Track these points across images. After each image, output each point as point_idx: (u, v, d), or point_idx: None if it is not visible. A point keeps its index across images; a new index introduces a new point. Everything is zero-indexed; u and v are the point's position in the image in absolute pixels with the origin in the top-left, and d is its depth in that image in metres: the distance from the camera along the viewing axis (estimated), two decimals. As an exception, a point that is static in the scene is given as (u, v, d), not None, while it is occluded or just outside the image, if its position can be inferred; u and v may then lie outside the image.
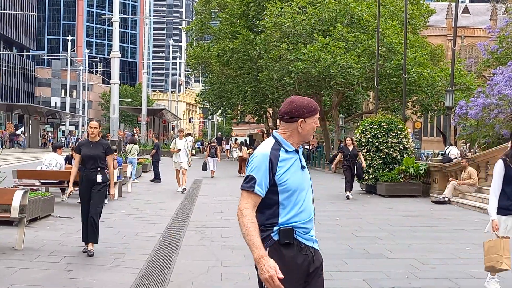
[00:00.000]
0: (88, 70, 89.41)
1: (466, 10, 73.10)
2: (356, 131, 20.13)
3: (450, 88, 22.38)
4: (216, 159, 24.71)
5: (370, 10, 33.64)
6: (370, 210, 14.66)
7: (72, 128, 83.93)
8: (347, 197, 16.70)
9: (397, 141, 18.70)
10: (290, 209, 3.23)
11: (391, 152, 18.61)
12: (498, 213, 6.29)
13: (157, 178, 21.23)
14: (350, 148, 17.23)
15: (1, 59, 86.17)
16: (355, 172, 17.00)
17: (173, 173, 18.36)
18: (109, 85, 41.34)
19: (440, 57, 44.17)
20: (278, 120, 8.89)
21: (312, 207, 3.35)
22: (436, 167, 18.25)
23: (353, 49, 32.00)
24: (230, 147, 46.34)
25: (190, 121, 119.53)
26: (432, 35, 63.86)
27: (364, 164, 17.28)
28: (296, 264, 3.22)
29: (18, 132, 53.84)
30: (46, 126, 63.59)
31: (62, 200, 13.72)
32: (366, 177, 18.33)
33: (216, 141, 30.33)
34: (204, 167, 24.24)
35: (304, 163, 3.35)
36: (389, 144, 18.59)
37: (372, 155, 18.50)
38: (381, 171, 18.40)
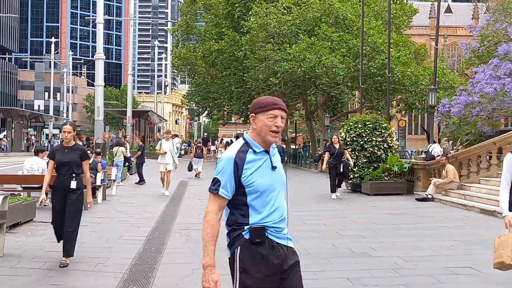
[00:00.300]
0: (72, 72, 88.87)
1: (448, 10, 73.73)
2: (341, 130, 20.21)
3: (433, 87, 22.61)
4: (202, 159, 24.83)
5: (354, 10, 33.84)
6: (355, 208, 14.73)
7: (56, 131, 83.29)
8: (334, 198, 16.68)
9: (381, 139, 18.81)
10: (260, 210, 3.24)
11: (375, 151, 18.72)
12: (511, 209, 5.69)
13: (141, 180, 21.16)
14: (337, 146, 16.98)
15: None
16: (341, 171, 16.74)
17: (159, 175, 18.27)
18: (93, 87, 41.06)
19: (424, 56, 44.48)
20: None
21: (284, 206, 3.34)
22: (420, 165, 18.40)
23: (338, 49, 32.15)
24: (216, 148, 46.28)
25: (176, 123, 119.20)
26: (416, 35, 64.36)
27: (351, 162, 17.23)
28: (268, 261, 3.23)
29: (1, 136, 53.33)
30: (29, 129, 63.02)
31: (45, 205, 13.60)
32: (352, 176, 18.40)
33: (202, 141, 30.29)
34: (190, 168, 24.56)
35: (276, 163, 3.31)
36: (373, 143, 18.70)
37: (357, 154, 18.58)
38: (366, 169, 18.51)
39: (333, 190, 16.93)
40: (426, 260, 8.09)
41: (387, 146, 18.90)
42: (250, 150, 3.26)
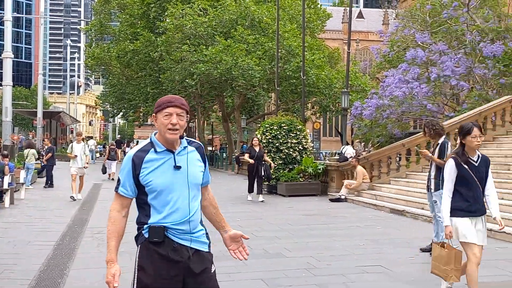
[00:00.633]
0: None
1: (360, 15, 76.34)
2: (257, 132, 20.38)
3: (346, 90, 23.24)
4: (115, 161, 24.70)
5: (270, 13, 34.28)
6: (271, 210, 14.87)
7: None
8: (250, 199, 16.74)
9: (296, 141, 19.13)
10: (161, 209, 3.23)
11: (291, 152, 19.02)
12: (454, 215, 5.50)
13: (49, 183, 20.43)
14: (257, 149, 16.61)
15: None
16: (263, 174, 16.51)
17: (69, 179, 17.63)
18: (1, 87, 39.23)
19: (337, 59, 45.81)
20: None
21: (188, 208, 3.28)
22: (333, 166, 18.87)
23: (254, 51, 32.46)
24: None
25: (90, 124, 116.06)
26: (329, 39, 66.17)
27: (272, 164, 17.28)
28: (167, 262, 3.20)
29: None
30: None
31: None
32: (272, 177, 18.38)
33: (115, 143, 29.72)
34: (104, 170, 24.48)
35: (180, 163, 3.27)
36: (289, 145, 18.99)
37: (272, 155, 18.76)
38: (281, 171, 18.75)
39: (250, 191, 16.92)
40: (338, 259, 8.29)
41: (302, 148, 19.25)
42: (152, 149, 3.27)
